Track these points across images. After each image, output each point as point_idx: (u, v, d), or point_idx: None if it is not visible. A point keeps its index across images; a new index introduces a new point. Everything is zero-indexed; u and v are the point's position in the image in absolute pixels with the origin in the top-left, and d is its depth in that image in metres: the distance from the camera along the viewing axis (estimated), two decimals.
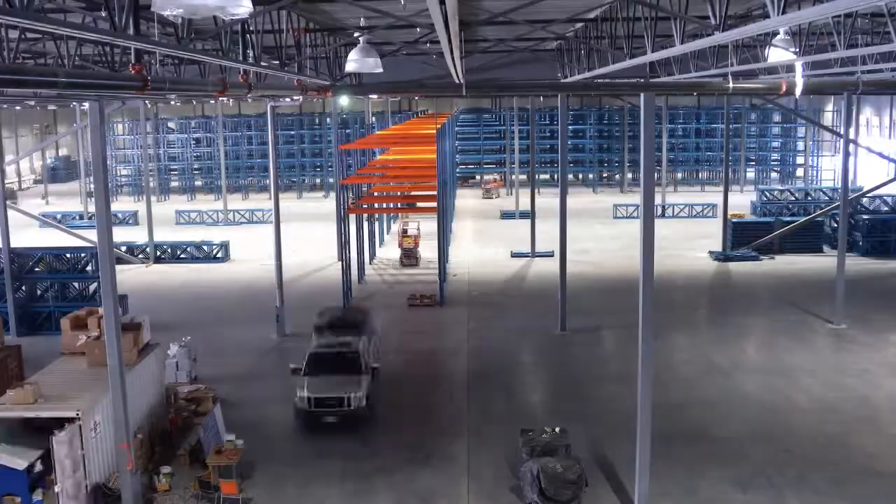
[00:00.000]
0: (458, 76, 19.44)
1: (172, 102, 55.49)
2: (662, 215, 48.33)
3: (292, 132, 65.42)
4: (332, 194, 52.62)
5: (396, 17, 17.82)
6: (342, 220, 32.62)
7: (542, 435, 17.03)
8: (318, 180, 68.03)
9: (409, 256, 37.50)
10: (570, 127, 58.50)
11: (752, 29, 10.35)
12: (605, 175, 68.10)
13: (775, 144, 65.26)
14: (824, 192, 47.78)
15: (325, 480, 17.08)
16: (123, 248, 38.12)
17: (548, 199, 42.60)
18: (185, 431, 19.05)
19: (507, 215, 50.16)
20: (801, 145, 64.15)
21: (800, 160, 64.40)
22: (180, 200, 61.84)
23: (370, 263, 37.66)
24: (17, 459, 15.75)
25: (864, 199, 40.57)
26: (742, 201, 50.61)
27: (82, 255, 28.57)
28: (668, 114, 59.30)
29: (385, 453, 18.28)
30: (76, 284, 28.53)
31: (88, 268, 28.13)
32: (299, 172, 65.61)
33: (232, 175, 61.52)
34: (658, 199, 49.03)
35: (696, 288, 33.32)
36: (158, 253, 39.58)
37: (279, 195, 29.19)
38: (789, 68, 19.04)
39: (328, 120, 60.86)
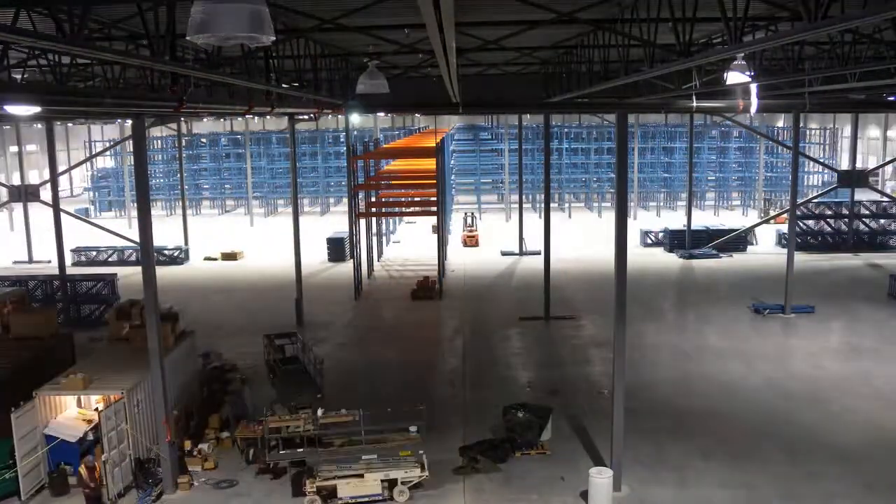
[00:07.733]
0: (454, 96, 19.48)
1: (204, 120, 55.23)
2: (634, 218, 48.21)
3: (303, 148, 61.89)
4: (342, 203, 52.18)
5: (401, 44, 17.83)
6: (353, 223, 32.64)
7: (519, 413, 17.07)
8: (331, 199, 64.93)
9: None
10: (573, 146, 57.68)
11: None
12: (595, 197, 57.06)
13: (735, 165, 60.19)
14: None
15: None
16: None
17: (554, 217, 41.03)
18: (216, 408, 18.99)
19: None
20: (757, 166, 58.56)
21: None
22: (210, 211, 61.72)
23: (378, 261, 37.59)
24: (71, 432, 15.76)
25: (811, 205, 40.56)
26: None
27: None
28: (639, 132, 57.64)
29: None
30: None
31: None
32: (310, 185, 62.51)
33: (257, 188, 60.29)
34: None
35: (665, 282, 33.30)
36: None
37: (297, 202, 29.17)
38: (745, 90, 19.14)
39: (341, 138, 60.24)
